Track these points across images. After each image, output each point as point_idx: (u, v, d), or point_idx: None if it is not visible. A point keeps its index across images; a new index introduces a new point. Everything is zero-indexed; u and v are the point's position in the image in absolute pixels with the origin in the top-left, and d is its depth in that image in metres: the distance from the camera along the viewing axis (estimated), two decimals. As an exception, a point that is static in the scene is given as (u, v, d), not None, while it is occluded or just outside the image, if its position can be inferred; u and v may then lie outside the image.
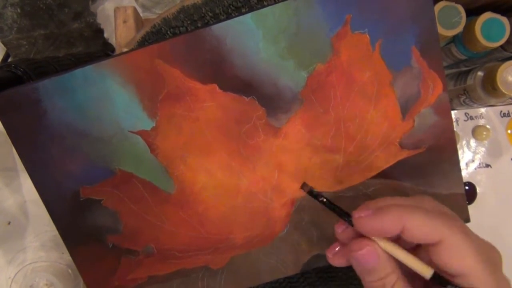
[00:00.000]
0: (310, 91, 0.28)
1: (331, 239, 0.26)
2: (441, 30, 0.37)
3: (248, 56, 0.27)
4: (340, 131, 0.29)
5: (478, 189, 0.43)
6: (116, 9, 0.38)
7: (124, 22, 0.38)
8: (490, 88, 0.39)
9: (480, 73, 0.40)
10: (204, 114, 0.28)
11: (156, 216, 0.30)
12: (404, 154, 0.30)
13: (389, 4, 0.27)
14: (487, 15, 0.37)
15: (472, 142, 0.44)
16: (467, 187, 0.43)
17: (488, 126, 0.44)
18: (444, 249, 0.21)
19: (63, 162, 0.28)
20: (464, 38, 0.39)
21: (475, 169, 0.44)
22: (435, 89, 0.29)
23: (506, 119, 0.44)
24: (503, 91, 0.37)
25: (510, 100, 0.42)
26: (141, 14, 0.43)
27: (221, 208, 0.30)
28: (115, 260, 0.30)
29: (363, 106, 0.29)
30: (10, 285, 0.44)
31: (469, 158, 0.44)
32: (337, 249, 0.25)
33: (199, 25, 0.33)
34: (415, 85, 0.29)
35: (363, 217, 0.22)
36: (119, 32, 0.38)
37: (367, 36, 0.28)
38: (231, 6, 0.33)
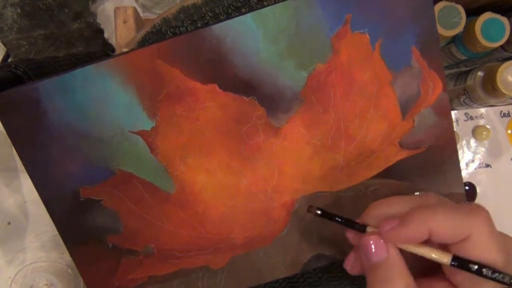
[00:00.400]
0: (310, 91, 0.28)
1: (331, 239, 0.26)
2: (441, 30, 0.37)
3: (248, 56, 0.27)
4: (340, 131, 0.29)
5: (478, 189, 0.43)
6: (116, 9, 0.38)
7: (124, 22, 0.38)
8: (490, 88, 0.39)
9: (480, 73, 0.40)
10: (204, 114, 0.28)
11: (156, 216, 0.30)
12: (404, 154, 0.30)
13: (389, 4, 0.27)
14: (487, 15, 0.37)
15: (472, 142, 0.44)
16: (467, 187, 0.43)
17: (488, 126, 0.44)
18: (471, 243, 0.21)
19: (63, 162, 0.28)
20: (464, 38, 0.39)
21: (475, 169, 0.44)
22: (435, 89, 0.29)
23: (506, 119, 0.44)
24: (503, 91, 0.37)
25: (510, 100, 0.42)
26: (141, 14, 0.43)
27: (221, 208, 0.30)
28: (115, 260, 0.30)
29: (363, 106, 0.29)
30: (10, 285, 0.44)
31: (469, 158, 0.44)
32: (352, 258, 0.25)
33: (199, 25, 0.33)
34: (415, 85, 0.29)
35: (389, 230, 0.22)
36: (119, 32, 0.38)
37: (367, 36, 0.28)
38: (231, 6, 0.33)
